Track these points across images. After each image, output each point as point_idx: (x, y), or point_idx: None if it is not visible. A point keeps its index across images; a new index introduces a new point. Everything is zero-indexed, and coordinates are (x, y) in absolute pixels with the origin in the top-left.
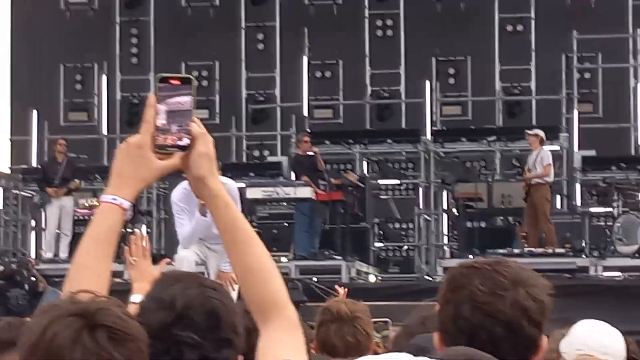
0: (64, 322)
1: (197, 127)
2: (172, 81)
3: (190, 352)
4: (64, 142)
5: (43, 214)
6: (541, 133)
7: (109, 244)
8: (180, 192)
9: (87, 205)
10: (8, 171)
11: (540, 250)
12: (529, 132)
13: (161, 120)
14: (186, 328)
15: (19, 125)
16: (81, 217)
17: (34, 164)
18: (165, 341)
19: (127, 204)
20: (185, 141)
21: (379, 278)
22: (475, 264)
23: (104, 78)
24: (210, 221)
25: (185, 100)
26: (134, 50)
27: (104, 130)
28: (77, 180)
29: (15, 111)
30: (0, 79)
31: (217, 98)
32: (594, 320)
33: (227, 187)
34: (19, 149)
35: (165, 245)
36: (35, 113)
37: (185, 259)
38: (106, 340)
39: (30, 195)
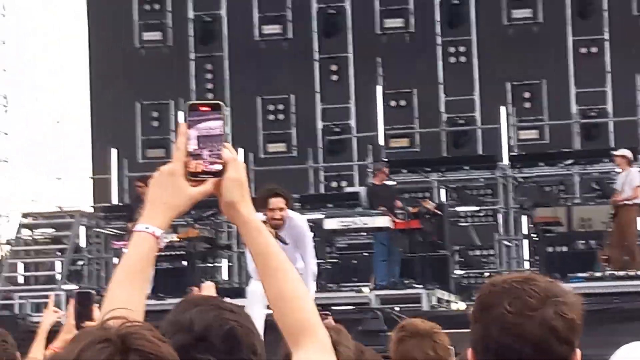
0: (96, 348)
1: (227, 153)
2: (202, 108)
3: None
4: (141, 184)
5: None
6: (628, 153)
7: (141, 274)
8: None
9: (166, 241)
10: (90, 209)
11: (622, 273)
12: (616, 152)
13: (192, 146)
14: (205, 351)
15: (99, 164)
16: (161, 254)
17: (115, 201)
18: None
19: (159, 232)
20: (217, 167)
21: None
22: (504, 283)
23: (180, 114)
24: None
25: (215, 126)
26: (209, 85)
27: None
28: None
29: (95, 150)
30: (81, 119)
31: (293, 131)
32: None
33: (294, 222)
34: (100, 187)
35: (246, 279)
36: (114, 151)
37: (255, 292)
38: None
39: (112, 233)
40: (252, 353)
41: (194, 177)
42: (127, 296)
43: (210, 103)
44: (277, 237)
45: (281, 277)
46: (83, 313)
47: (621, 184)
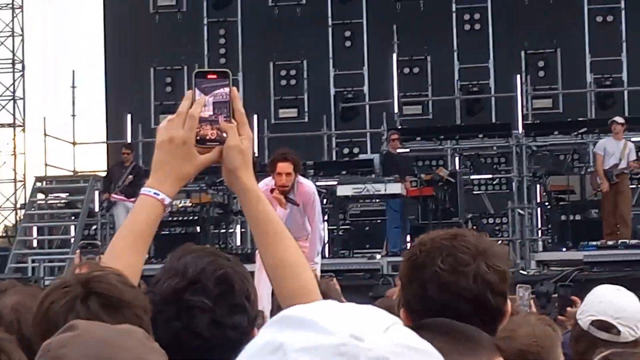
0: (60, 291)
1: (224, 123)
2: (209, 76)
3: (202, 316)
4: (127, 152)
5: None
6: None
7: (144, 237)
8: (261, 185)
9: (179, 206)
10: (104, 174)
11: (634, 242)
12: (618, 120)
13: (208, 112)
14: (197, 293)
15: (113, 129)
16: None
17: None
18: (177, 306)
19: (168, 200)
20: (224, 135)
21: None
22: (434, 242)
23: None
24: (288, 213)
25: (224, 93)
26: (222, 50)
27: None
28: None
29: (110, 115)
30: (96, 84)
31: (305, 97)
32: (610, 285)
33: (303, 187)
34: (114, 153)
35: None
36: (129, 116)
37: None
38: (98, 307)
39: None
40: (245, 298)
41: (201, 145)
42: (127, 254)
43: (217, 71)
44: (287, 198)
45: (279, 245)
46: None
47: (619, 153)
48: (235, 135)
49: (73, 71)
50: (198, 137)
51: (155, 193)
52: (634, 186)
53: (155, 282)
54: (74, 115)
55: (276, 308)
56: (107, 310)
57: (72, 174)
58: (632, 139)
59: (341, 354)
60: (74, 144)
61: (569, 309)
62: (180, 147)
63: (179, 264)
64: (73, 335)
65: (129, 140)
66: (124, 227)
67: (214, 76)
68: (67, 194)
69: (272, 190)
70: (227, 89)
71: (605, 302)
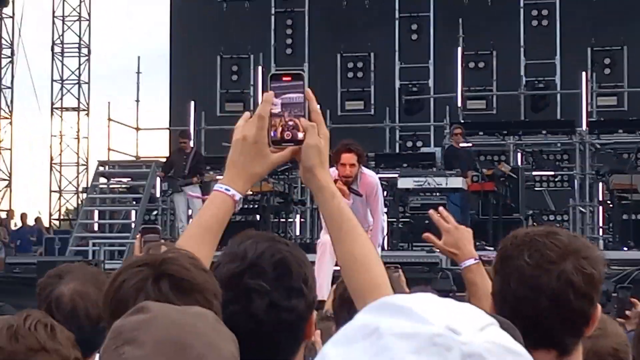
0: (132, 271)
1: (306, 121)
2: (284, 78)
3: (259, 299)
4: (184, 141)
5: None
6: None
7: (214, 233)
8: None
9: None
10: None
11: None
12: None
13: (276, 112)
14: (256, 276)
15: (177, 116)
16: None
17: None
18: (235, 289)
19: (239, 197)
20: (299, 135)
21: None
22: (526, 236)
23: (259, 69)
24: (351, 204)
25: (297, 95)
26: (289, 41)
27: None
28: (211, 173)
29: (174, 102)
30: (162, 71)
31: (371, 89)
32: None
33: (367, 179)
34: (177, 139)
35: (317, 235)
36: (192, 104)
37: (326, 244)
38: (169, 289)
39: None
40: (302, 282)
41: (276, 145)
42: (197, 247)
43: (292, 73)
44: (350, 189)
45: (352, 240)
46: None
47: None
48: (314, 134)
49: (138, 57)
50: (274, 139)
51: (226, 189)
52: None
53: (216, 266)
54: (137, 101)
55: (338, 297)
56: (178, 293)
57: (134, 159)
58: None
59: (435, 344)
60: (137, 129)
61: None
62: (252, 147)
63: (238, 249)
64: (146, 318)
65: (191, 128)
66: (194, 222)
67: (289, 78)
68: (129, 179)
69: (335, 181)
70: (302, 90)
71: None
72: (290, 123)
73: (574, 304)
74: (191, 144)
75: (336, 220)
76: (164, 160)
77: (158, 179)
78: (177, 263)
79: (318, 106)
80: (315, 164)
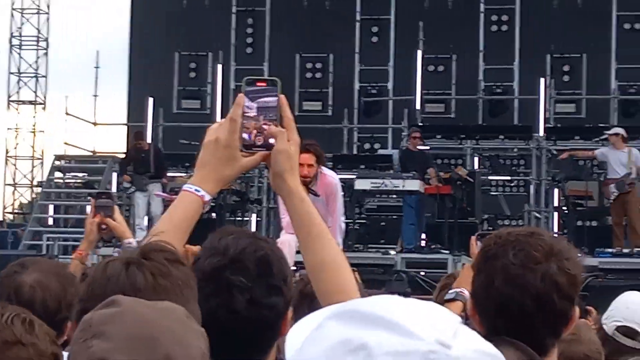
0: (113, 263)
1: (275, 128)
2: (258, 83)
3: (240, 295)
4: (140, 142)
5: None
6: (622, 131)
7: (183, 231)
8: None
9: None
10: (123, 156)
11: None
12: (610, 132)
13: (251, 115)
14: (237, 272)
15: (135, 112)
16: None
17: None
18: (216, 284)
19: (208, 198)
20: (270, 141)
21: None
22: (509, 235)
23: (219, 67)
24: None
25: (271, 100)
26: (249, 40)
27: (218, 118)
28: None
29: (132, 98)
30: (120, 66)
31: (330, 90)
32: (638, 292)
33: (327, 179)
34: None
35: (273, 234)
36: (151, 100)
37: (287, 242)
38: (143, 279)
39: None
40: (282, 280)
41: (247, 150)
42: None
43: (267, 79)
44: (309, 190)
45: (321, 245)
46: (104, 213)
47: (626, 162)
48: (284, 140)
49: (97, 52)
50: (247, 142)
51: (196, 190)
52: None
53: (196, 260)
54: (96, 96)
55: (299, 293)
56: (154, 282)
57: (91, 154)
58: None
59: None
60: (94, 124)
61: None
62: (224, 150)
63: (219, 244)
64: (115, 312)
65: (149, 124)
66: (165, 219)
67: (264, 84)
68: (85, 174)
69: None
70: (275, 96)
71: (632, 308)
72: (265, 127)
73: (557, 304)
74: (148, 141)
75: (305, 225)
76: (122, 157)
77: (114, 174)
78: (155, 255)
79: (290, 113)
80: (285, 169)
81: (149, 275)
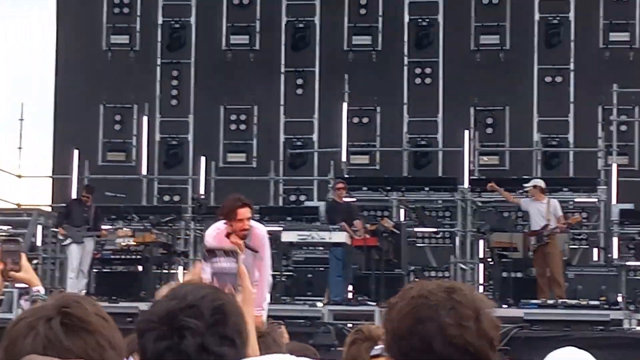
0: (33, 311)
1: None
2: (217, 251)
3: (191, 338)
4: (87, 196)
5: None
6: (541, 183)
7: None
8: (213, 231)
9: (122, 245)
10: (48, 209)
11: (574, 302)
12: (528, 184)
13: (206, 277)
14: (193, 316)
15: (60, 164)
16: (104, 257)
17: None
18: (169, 326)
19: None
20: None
21: None
22: (433, 294)
23: (144, 119)
24: (243, 259)
25: (230, 267)
26: (174, 92)
27: (144, 171)
28: (124, 229)
29: (57, 149)
30: (44, 118)
31: (254, 142)
32: (570, 348)
33: (256, 232)
34: (60, 188)
35: None
36: (76, 152)
37: None
38: (59, 326)
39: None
40: (237, 332)
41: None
42: None
43: (227, 250)
44: (247, 246)
45: None
46: (12, 259)
47: (544, 213)
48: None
49: (22, 104)
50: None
51: None
52: (575, 247)
53: (154, 304)
54: (20, 148)
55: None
56: (68, 331)
57: (15, 207)
58: (576, 199)
59: None
60: (19, 176)
61: None
62: None
63: (180, 291)
64: None
65: (74, 176)
66: None
67: (224, 253)
68: (10, 227)
69: (228, 235)
70: (232, 264)
71: None
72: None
73: (490, 358)
74: (74, 195)
75: None
76: (60, 210)
77: (39, 227)
78: (76, 305)
79: (250, 286)
80: None
81: (64, 329)
